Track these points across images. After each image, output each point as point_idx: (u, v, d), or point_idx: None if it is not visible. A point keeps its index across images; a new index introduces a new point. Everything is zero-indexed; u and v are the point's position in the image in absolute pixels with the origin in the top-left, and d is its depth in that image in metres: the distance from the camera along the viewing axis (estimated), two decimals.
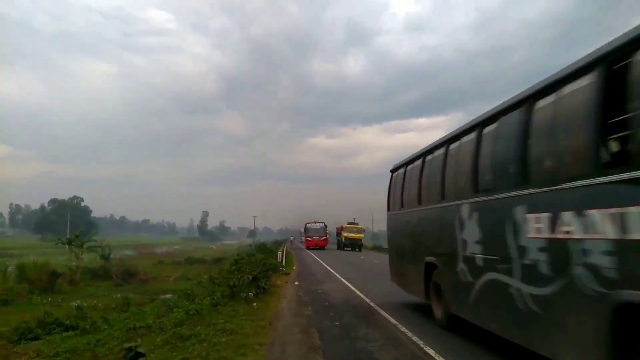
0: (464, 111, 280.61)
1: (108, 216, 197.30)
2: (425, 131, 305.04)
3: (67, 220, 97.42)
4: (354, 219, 57.61)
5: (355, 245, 46.72)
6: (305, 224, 53.06)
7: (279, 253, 29.79)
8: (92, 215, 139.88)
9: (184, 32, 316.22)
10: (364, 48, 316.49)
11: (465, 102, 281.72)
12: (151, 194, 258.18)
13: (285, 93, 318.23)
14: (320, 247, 48.64)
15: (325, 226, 52.04)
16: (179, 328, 8.02)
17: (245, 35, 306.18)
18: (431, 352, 6.56)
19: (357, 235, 47.88)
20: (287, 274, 19.64)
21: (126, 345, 7.05)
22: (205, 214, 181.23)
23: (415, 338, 7.43)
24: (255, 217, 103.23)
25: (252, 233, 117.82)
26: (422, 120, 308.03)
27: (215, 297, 10.54)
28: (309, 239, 50.79)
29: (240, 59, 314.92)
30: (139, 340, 7.57)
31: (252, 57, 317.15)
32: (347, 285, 15.53)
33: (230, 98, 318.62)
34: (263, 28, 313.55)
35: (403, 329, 8.22)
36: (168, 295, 18.85)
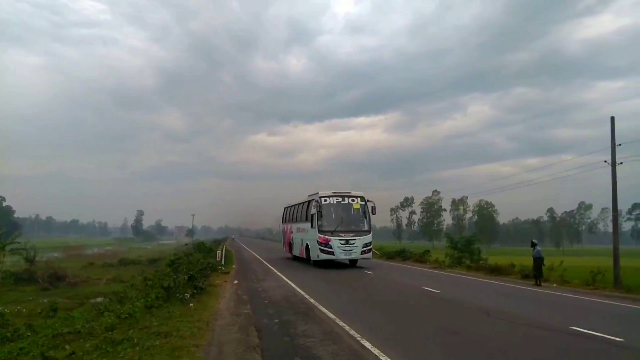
0: (401, 110, 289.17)
1: (33, 216, 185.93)
2: (365, 130, 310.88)
3: None
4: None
5: None
6: None
7: (218, 252, 29.28)
8: (15, 215, 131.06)
9: (120, 24, 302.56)
10: (305, 48, 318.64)
11: (403, 102, 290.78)
12: (81, 192, 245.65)
13: (227, 90, 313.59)
14: None
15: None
16: (110, 333, 7.68)
17: (185, 29, 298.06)
18: (367, 344, 6.77)
19: None
20: (227, 272, 19.40)
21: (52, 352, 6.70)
22: (140, 213, 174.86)
23: (352, 332, 7.61)
24: (193, 215, 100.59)
25: (190, 232, 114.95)
26: (362, 119, 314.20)
27: (150, 299, 10.15)
28: None
29: (180, 54, 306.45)
30: (66, 346, 7.19)
31: (192, 52, 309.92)
32: (287, 282, 15.54)
33: (169, 94, 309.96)
34: (204, 23, 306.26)
35: (341, 323, 8.38)
36: (99, 299, 18.14)
